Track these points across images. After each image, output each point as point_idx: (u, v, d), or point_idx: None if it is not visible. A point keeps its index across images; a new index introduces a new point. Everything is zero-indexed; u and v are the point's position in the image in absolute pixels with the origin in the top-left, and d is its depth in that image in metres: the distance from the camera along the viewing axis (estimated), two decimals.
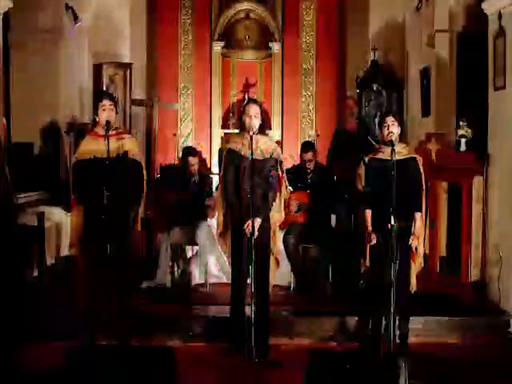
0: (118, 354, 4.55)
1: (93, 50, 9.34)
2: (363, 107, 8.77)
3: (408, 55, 8.95)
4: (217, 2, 11.01)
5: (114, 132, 4.77)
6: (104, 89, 9.17)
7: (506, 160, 5.76)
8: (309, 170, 6.41)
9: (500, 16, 5.79)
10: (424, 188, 4.97)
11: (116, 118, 4.87)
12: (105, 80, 9.36)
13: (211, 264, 6.53)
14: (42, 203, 7.06)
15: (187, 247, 6.67)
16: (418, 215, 4.89)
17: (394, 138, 4.83)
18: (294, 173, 6.31)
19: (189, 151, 6.71)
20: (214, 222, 5.70)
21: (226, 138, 10.45)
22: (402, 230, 4.65)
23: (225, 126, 11.09)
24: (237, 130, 9.23)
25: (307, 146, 6.54)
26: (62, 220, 6.86)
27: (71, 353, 4.71)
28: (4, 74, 7.01)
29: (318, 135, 10.32)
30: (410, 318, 5.02)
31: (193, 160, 6.52)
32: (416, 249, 4.90)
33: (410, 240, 4.82)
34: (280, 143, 10.25)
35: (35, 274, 6.22)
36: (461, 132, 6.12)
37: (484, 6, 5.99)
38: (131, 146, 4.83)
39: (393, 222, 4.52)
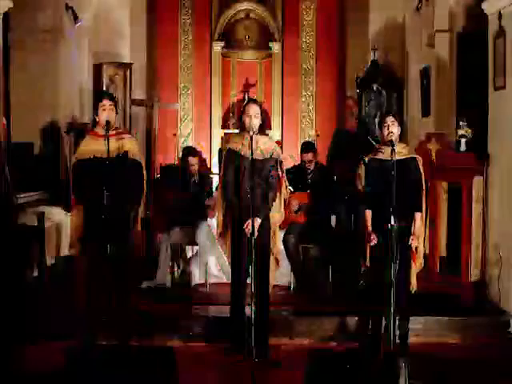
0: (118, 354, 4.56)
1: (93, 50, 9.34)
2: (363, 107, 8.77)
3: (408, 55, 8.95)
4: (217, 2, 11.02)
5: (114, 132, 4.78)
6: (104, 89, 9.18)
7: (506, 160, 5.76)
8: (309, 171, 6.41)
9: (500, 16, 5.79)
10: (424, 188, 4.97)
11: (116, 118, 4.87)
12: (105, 80, 9.36)
13: (211, 264, 6.52)
14: (41, 203, 7.06)
15: (187, 247, 6.67)
16: (417, 215, 4.89)
17: (394, 138, 4.83)
18: (294, 173, 6.31)
19: (189, 151, 6.71)
20: (213, 222, 5.70)
21: (226, 138, 10.46)
22: (402, 230, 4.65)
23: (225, 126, 11.10)
24: (237, 130, 9.23)
25: (307, 147, 6.54)
26: (62, 220, 6.86)
27: (71, 353, 4.71)
28: (4, 74, 7.01)
29: (317, 135, 10.34)
30: (410, 317, 5.01)
31: (193, 160, 6.52)
32: (416, 249, 4.90)
33: (410, 240, 4.82)
34: (280, 143, 10.26)
35: (35, 273, 6.22)
36: (461, 132, 6.12)
37: (484, 6, 5.99)
38: (131, 146, 4.83)
39: (393, 222, 4.52)
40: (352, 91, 9.36)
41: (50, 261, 6.49)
